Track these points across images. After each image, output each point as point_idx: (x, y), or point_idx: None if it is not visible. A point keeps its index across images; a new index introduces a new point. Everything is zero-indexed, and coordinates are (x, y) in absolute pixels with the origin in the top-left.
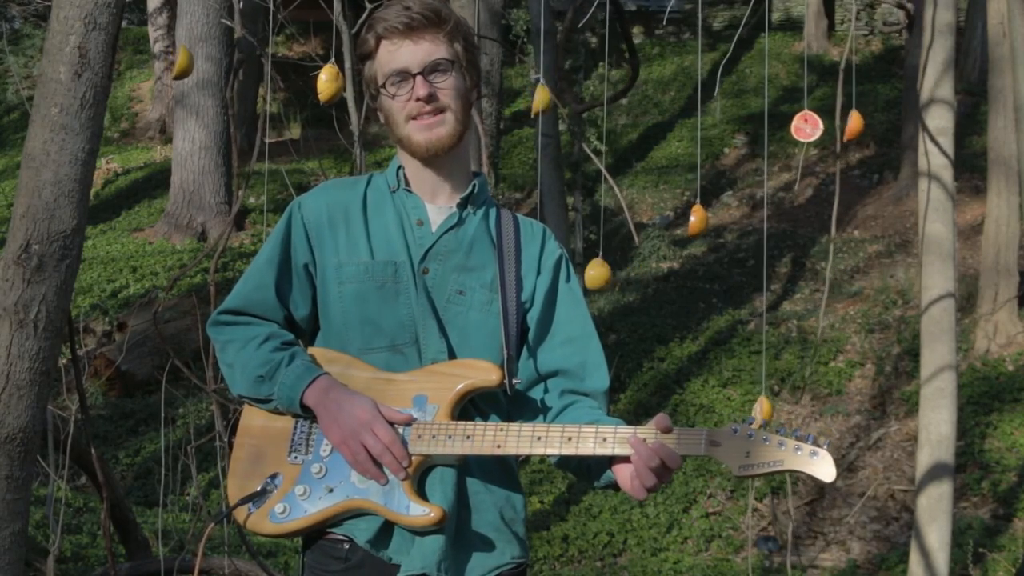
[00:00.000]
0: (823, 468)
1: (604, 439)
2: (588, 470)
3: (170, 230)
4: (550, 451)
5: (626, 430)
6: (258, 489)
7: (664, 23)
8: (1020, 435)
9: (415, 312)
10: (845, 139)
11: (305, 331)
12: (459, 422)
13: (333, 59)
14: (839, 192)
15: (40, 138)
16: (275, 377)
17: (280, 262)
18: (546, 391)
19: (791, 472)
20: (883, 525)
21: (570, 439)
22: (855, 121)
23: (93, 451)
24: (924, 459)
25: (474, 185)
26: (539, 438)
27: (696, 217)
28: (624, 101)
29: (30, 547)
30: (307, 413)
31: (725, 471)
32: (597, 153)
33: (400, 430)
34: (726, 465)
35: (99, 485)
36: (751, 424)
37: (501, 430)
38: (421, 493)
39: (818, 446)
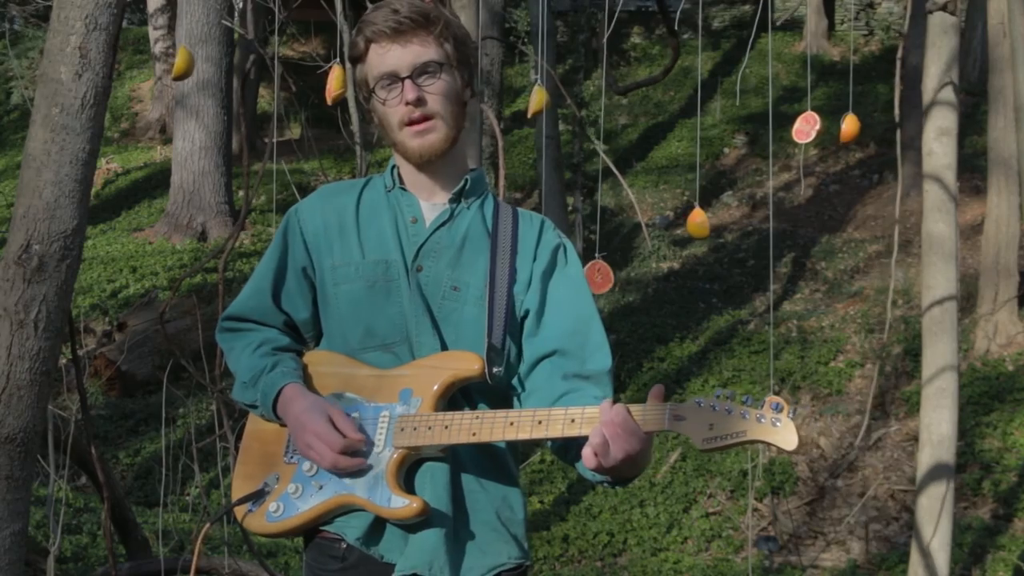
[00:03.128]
0: (785, 436)
1: (572, 420)
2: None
3: (170, 230)
4: (522, 436)
5: (594, 410)
6: (256, 489)
7: (676, 26)
8: (1020, 435)
9: (406, 311)
10: (843, 140)
11: (308, 334)
12: (439, 413)
13: (337, 59)
14: (902, 186)
15: (41, 138)
16: (257, 384)
17: (277, 268)
18: (547, 373)
19: (754, 443)
20: (883, 525)
21: (540, 422)
22: (850, 124)
23: (93, 451)
24: (924, 459)
25: (466, 180)
26: (512, 423)
27: (700, 219)
28: (624, 101)
29: (30, 547)
30: (282, 421)
31: (726, 470)
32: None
33: (382, 427)
34: (690, 439)
35: (99, 485)
36: (717, 397)
37: (477, 418)
38: (409, 489)
39: (781, 414)
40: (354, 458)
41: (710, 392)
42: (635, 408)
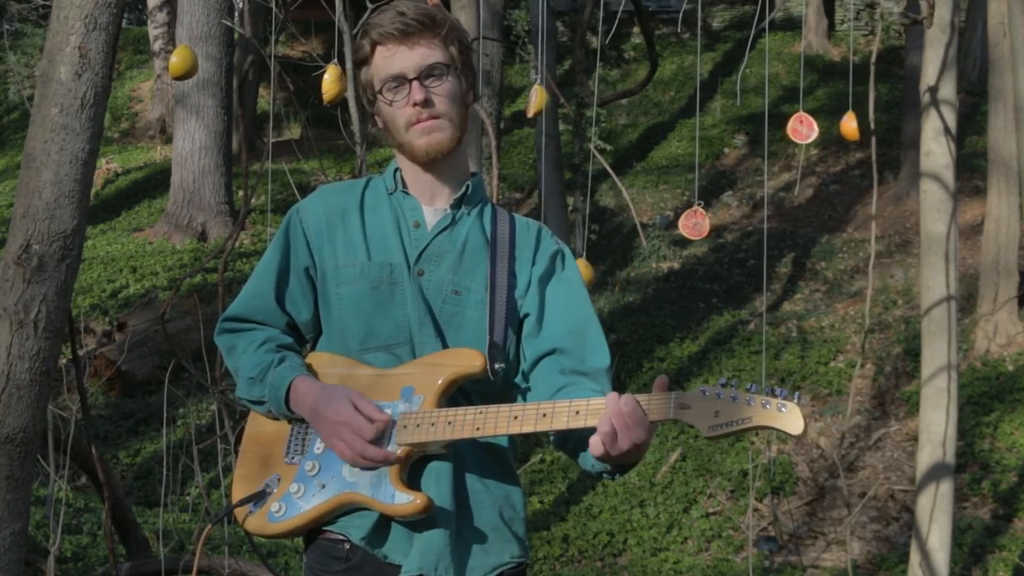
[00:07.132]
0: (791, 422)
1: (577, 412)
2: (583, 450)
3: (170, 230)
4: (526, 429)
5: (599, 402)
6: (258, 490)
7: (678, 27)
8: (1020, 435)
9: (410, 314)
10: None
11: (310, 335)
12: (442, 409)
13: (336, 59)
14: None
15: (40, 138)
16: (265, 379)
17: (280, 268)
18: (546, 370)
19: (760, 428)
20: (883, 525)
21: (544, 415)
22: (849, 123)
23: (93, 451)
24: (924, 459)
25: (467, 185)
26: (516, 417)
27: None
28: (624, 101)
29: (30, 547)
30: (293, 415)
31: (726, 470)
32: (601, 151)
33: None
34: (696, 427)
35: (99, 485)
36: (721, 385)
37: (480, 413)
38: (414, 488)
39: (787, 400)
40: (380, 448)
41: (714, 381)
42: (641, 398)
